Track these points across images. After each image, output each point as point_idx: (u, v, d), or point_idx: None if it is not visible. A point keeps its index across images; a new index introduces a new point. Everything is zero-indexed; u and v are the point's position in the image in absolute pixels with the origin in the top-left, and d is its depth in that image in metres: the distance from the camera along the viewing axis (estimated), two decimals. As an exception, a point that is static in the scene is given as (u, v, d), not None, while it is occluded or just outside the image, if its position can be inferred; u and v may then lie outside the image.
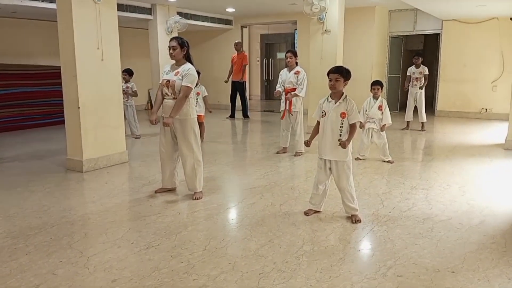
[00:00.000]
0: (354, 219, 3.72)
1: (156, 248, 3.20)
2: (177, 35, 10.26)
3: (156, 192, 4.57)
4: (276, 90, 6.36)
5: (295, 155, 6.35)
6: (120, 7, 8.60)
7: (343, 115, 3.59)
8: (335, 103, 3.62)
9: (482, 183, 4.99)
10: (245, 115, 10.72)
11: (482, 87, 10.50)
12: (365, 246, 3.31)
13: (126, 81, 7.80)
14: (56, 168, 5.73)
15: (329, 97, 3.69)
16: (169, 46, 4.20)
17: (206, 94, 7.23)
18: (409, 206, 4.15)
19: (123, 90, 7.75)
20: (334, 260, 3.01)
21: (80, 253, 3.14)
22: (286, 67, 6.37)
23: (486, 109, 10.51)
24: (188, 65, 4.21)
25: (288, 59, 6.23)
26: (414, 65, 8.64)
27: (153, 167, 5.72)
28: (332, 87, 3.61)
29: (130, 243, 3.32)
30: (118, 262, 2.99)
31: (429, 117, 9.32)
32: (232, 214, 4.04)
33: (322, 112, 3.69)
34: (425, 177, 5.26)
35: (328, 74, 3.63)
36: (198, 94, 7.02)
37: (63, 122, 5.68)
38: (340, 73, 3.58)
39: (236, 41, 10.74)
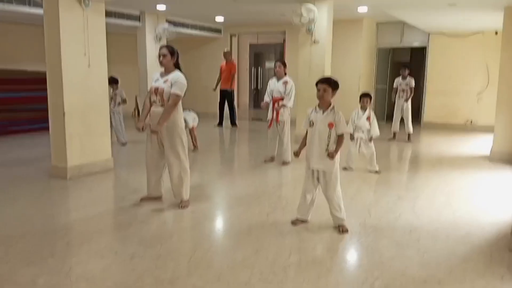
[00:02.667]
0: (341, 229, 3.70)
1: (140, 258, 3.14)
2: (165, 43, 10.27)
3: (141, 200, 4.50)
4: (264, 101, 6.35)
5: (282, 165, 6.33)
6: (109, 14, 8.54)
7: (331, 125, 3.59)
8: (323, 113, 3.62)
9: (468, 195, 5.02)
10: (233, 123, 10.71)
11: (468, 99, 10.65)
12: (352, 257, 3.29)
13: (114, 89, 7.73)
14: (40, 175, 5.62)
15: (317, 107, 3.69)
16: (159, 54, 4.17)
17: (196, 124, 7.22)
18: (396, 216, 4.15)
19: (111, 97, 7.68)
20: (321, 271, 2.99)
21: (63, 262, 3.06)
22: (274, 76, 6.38)
23: (471, 121, 10.65)
24: (177, 73, 4.18)
25: (277, 69, 6.25)
26: (401, 77, 8.72)
27: (139, 175, 5.64)
28: (320, 97, 3.61)
29: (114, 252, 3.25)
30: (101, 272, 2.92)
31: (415, 128, 9.41)
32: (219, 224, 4.00)
33: (310, 122, 3.69)
34: (412, 188, 5.28)
35: (316, 84, 3.64)
36: None
37: (48, 128, 5.58)
38: (329, 84, 3.59)
39: (225, 50, 10.77)
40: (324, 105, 3.64)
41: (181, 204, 4.30)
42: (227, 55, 10.55)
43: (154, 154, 4.32)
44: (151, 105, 4.22)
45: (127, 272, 2.93)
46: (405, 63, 9.52)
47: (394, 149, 8.13)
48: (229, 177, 5.86)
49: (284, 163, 6.35)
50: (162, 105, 4.11)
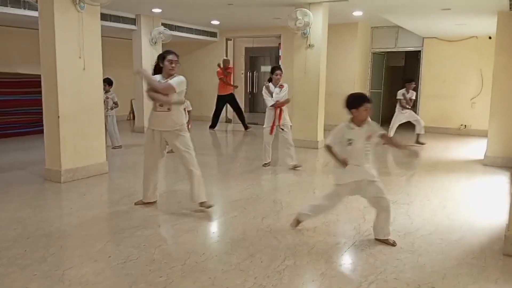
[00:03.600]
0: (392, 241, 3.56)
1: (134, 262, 3.12)
2: (161, 46, 10.26)
3: (136, 204, 4.48)
4: (271, 104, 6.19)
5: (294, 168, 6.23)
6: (104, 17, 8.53)
7: (369, 137, 3.48)
8: (361, 129, 3.48)
9: (462, 199, 5.04)
10: (246, 127, 10.73)
11: (462, 103, 10.70)
12: (347, 261, 3.29)
13: (106, 91, 7.67)
14: (34, 178, 5.59)
15: (351, 123, 3.49)
16: (171, 60, 4.11)
17: (191, 108, 7.14)
18: (390, 220, 4.14)
19: (103, 101, 7.61)
20: (315, 275, 2.99)
21: (56, 267, 3.04)
22: (269, 81, 6.32)
23: (465, 125, 10.70)
24: (180, 76, 4.20)
25: (279, 76, 6.20)
26: (405, 89, 8.66)
27: (133, 178, 5.64)
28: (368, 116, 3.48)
29: (108, 256, 3.23)
30: (94, 276, 2.91)
31: (410, 133, 9.42)
32: (214, 228, 3.99)
33: (349, 140, 3.48)
34: (406, 192, 5.29)
35: (365, 103, 3.43)
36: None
37: (42, 131, 5.56)
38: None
39: (225, 58, 10.98)
40: (362, 121, 3.49)
41: (204, 205, 4.29)
42: (226, 63, 10.78)
43: (154, 157, 4.29)
44: (155, 108, 4.17)
45: (121, 276, 2.91)
46: (409, 77, 9.33)
47: (389, 153, 8.14)
48: (224, 181, 5.85)
49: (297, 167, 6.26)
50: (168, 109, 4.11)
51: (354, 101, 3.47)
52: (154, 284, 2.80)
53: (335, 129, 3.59)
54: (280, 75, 6.22)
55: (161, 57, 4.19)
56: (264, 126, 6.35)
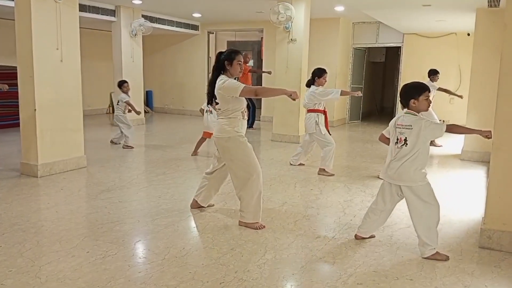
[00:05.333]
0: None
1: (112, 257, 3.08)
2: (141, 39, 10.14)
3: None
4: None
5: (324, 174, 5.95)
6: (82, 8, 8.38)
7: None
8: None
9: (439, 193, 5.08)
10: (250, 126, 10.35)
11: (440, 99, 10.85)
12: (327, 254, 3.31)
13: (126, 92, 7.47)
14: (9, 172, 5.46)
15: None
16: (241, 62, 3.73)
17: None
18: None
19: (128, 103, 7.37)
20: (295, 268, 3.00)
21: (32, 262, 2.98)
22: (310, 85, 5.86)
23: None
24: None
25: (326, 80, 5.86)
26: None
27: (112, 172, 5.56)
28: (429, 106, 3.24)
29: (85, 252, 3.18)
30: (72, 272, 2.86)
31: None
32: (193, 222, 3.96)
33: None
34: (386, 186, 5.35)
35: (426, 92, 3.21)
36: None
37: (18, 124, 5.43)
38: None
39: (244, 52, 10.72)
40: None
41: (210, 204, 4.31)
42: (246, 58, 10.46)
43: None
44: (244, 116, 3.86)
45: (99, 271, 2.87)
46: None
47: (368, 148, 8.24)
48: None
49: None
50: None
51: (413, 91, 3.18)
52: (133, 280, 2.77)
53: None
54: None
55: (229, 57, 3.67)
56: (323, 133, 5.81)
